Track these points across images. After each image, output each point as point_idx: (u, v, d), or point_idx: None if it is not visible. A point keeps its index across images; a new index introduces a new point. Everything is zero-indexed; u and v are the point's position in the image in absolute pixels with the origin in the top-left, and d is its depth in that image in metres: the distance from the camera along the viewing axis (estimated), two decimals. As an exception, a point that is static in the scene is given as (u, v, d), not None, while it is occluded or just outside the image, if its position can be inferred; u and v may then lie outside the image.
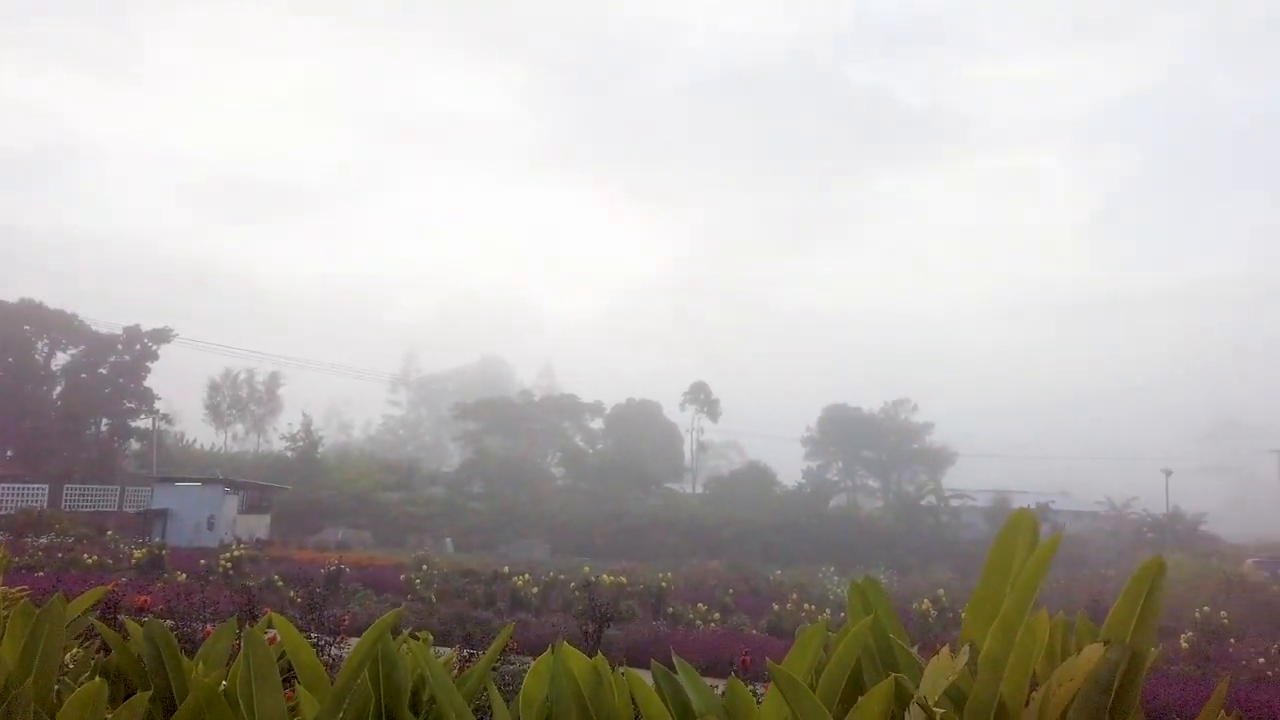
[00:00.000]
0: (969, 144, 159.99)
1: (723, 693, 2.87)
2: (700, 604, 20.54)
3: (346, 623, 10.22)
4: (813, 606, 21.67)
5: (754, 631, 18.34)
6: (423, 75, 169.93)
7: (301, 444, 59.78)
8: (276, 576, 21.22)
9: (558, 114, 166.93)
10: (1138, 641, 2.66)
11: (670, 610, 19.99)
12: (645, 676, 2.95)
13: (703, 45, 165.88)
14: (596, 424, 77.49)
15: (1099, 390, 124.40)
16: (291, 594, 17.78)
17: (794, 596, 23.72)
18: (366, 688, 2.97)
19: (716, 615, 19.88)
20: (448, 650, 6.17)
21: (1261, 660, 14.59)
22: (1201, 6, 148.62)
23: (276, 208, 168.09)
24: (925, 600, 19.74)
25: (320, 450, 61.29)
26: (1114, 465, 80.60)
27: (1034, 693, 2.64)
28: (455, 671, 4.08)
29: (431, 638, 3.82)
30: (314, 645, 6.51)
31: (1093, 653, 2.60)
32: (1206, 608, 18.31)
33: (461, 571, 26.19)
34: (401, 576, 23.31)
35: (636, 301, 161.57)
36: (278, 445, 67.68)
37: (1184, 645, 15.65)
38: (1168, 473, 55.30)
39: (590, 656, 3.04)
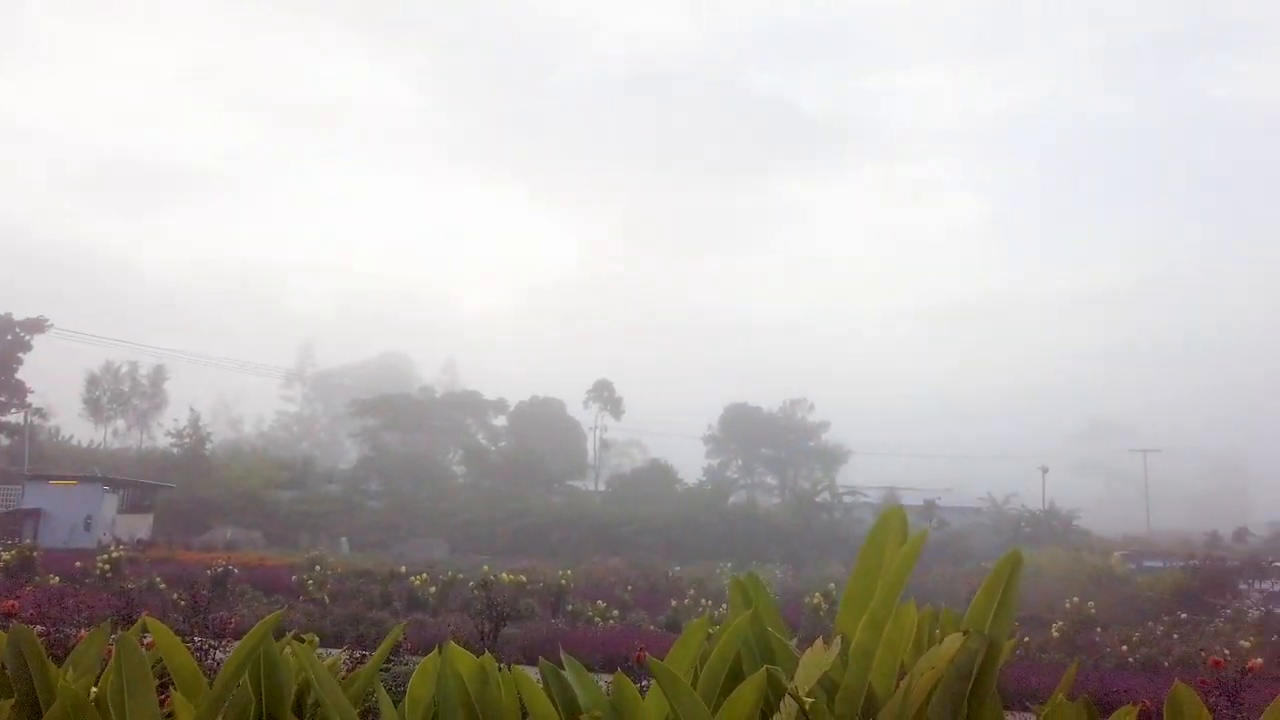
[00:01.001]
0: (866, 152, 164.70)
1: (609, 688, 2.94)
2: (600, 601, 20.64)
3: (233, 625, 9.88)
4: (710, 602, 22.04)
5: (652, 627, 18.55)
6: (321, 60, 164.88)
7: (188, 440, 57.34)
8: (159, 579, 20.38)
9: (462, 106, 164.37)
10: (995, 631, 2.84)
11: (570, 608, 20.03)
12: (538, 675, 3.00)
13: (611, 45, 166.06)
14: (499, 421, 76.91)
15: (984, 391, 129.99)
16: (175, 597, 17.06)
17: (692, 592, 24.08)
18: (247, 691, 2.92)
19: (615, 612, 20.02)
20: (336, 652, 6.08)
21: (1124, 648, 15.58)
22: (1084, 28, 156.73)
23: (164, 193, 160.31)
24: (817, 594, 20.36)
25: (208, 447, 58.90)
26: (996, 463, 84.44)
27: (902, 681, 2.79)
28: (343, 674, 4.04)
29: (319, 639, 3.77)
30: (196, 650, 6.29)
31: (953, 642, 2.77)
32: (1076, 599, 19.52)
33: (356, 572, 25.64)
34: (293, 577, 22.67)
35: (542, 299, 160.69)
36: (163, 442, 64.79)
37: (1055, 634, 16.58)
38: (1044, 470, 58.52)
39: (486, 655, 3.06)
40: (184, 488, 48.74)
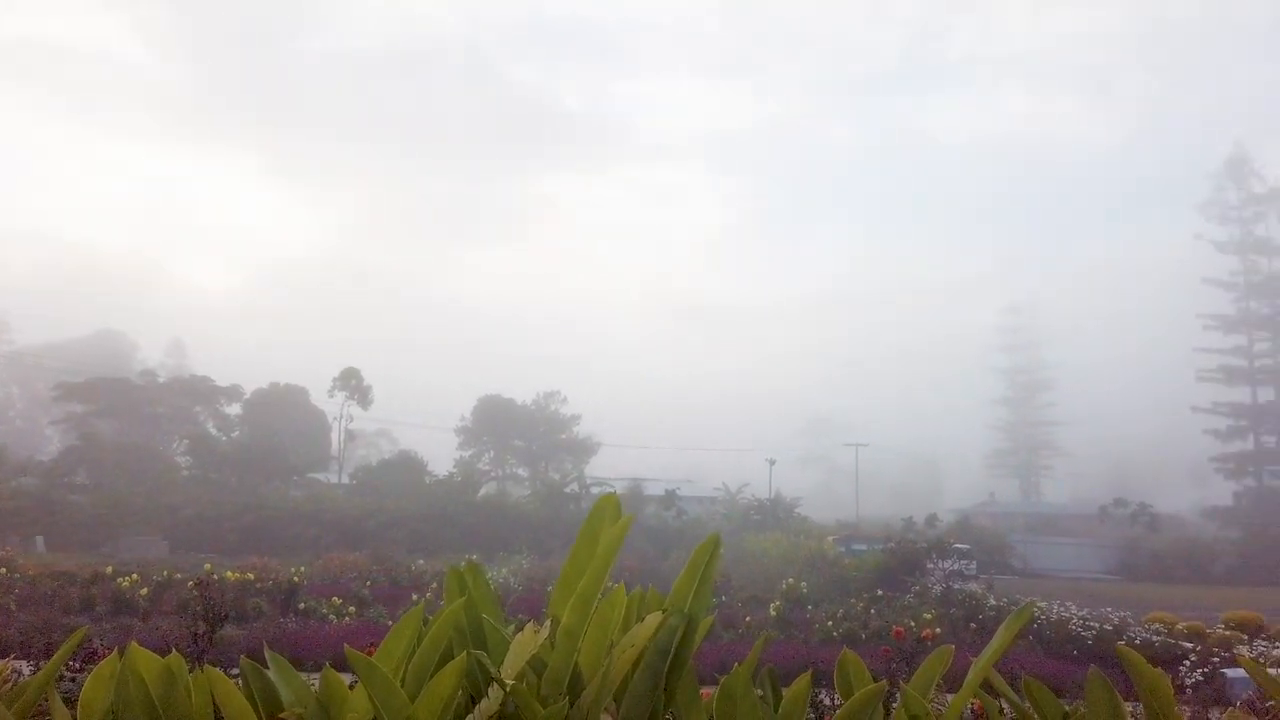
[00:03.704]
0: (621, 152, 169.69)
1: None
2: (336, 598, 19.85)
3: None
4: (452, 594, 21.76)
5: (389, 623, 18.06)
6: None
7: None
8: None
9: (197, 65, 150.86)
10: (695, 609, 3.06)
11: (302, 606, 19.08)
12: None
13: (366, 17, 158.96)
14: (233, 409, 71.43)
15: (724, 387, 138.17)
16: None
17: (435, 585, 23.67)
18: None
19: (352, 608, 19.32)
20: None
21: (830, 623, 17.22)
22: (814, 59, 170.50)
23: None
24: (562, 583, 20.68)
25: None
26: (732, 455, 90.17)
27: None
28: (10, 684, 3.63)
29: (2, 650, 3.37)
30: None
31: (653, 620, 2.95)
32: (792, 580, 21.36)
33: (53, 574, 22.94)
34: (-30, 583, 19.86)
35: (286, 280, 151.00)
36: None
37: (772, 612, 18.01)
38: (771, 462, 63.38)
39: (200, 659, 2.87)
40: None
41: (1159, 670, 2.84)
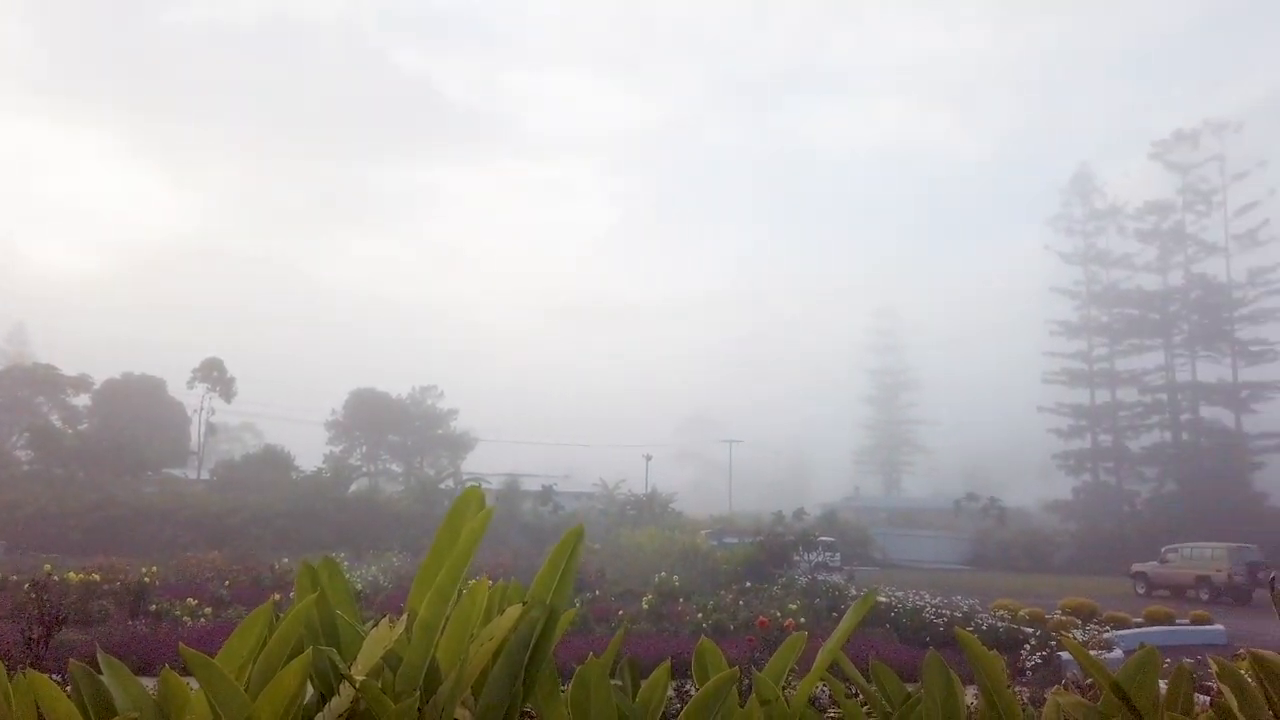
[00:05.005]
0: (507, 146, 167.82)
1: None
2: (191, 599, 18.90)
3: None
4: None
5: (250, 624, 17.33)
6: None
7: None
8: None
9: (51, 34, 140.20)
10: (556, 601, 3.07)
11: (154, 607, 18.08)
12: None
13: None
14: (81, 400, 66.89)
15: (604, 384, 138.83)
16: None
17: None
18: None
19: (208, 610, 18.44)
20: None
21: (700, 615, 17.57)
22: (702, 61, 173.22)
23: None
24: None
25: None
26: (611, 451, 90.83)
27: (471, 653, 2.91)
28: None
29: None
30: None
31: (513, 613, 2.94)
32: (665, 573, 21.71)
33: None
34: None
35: (143, 264, 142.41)
36: None
37: (645, 606, 18.24)
38: (648, 458, 64.27)
39: (34, 664, 2.68)
40: None
41: (994, 653, 3.03)
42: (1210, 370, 70.78)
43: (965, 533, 64.19)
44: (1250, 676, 2.93)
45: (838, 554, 37.80)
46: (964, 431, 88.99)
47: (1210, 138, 72.26)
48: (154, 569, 22.22)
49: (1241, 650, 3.43)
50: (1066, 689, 6.59)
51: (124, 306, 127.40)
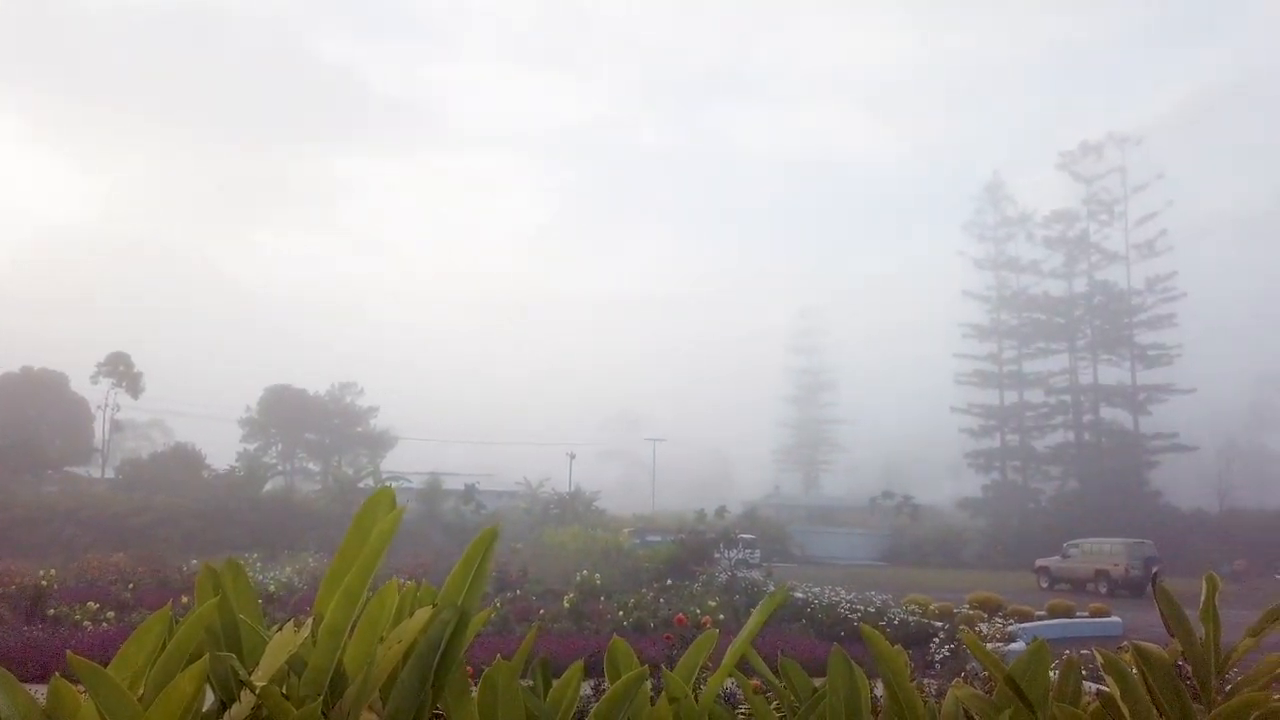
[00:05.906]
0: (431, 140, 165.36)
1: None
2: (92, 602, 18.13)
3: None
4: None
5: (156, 628, 16.72)
6: None
7: None
8: None
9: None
10: (468, 603, 3.05)
11: (51, 612, 17.30)
12: None
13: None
14: (-28, 395, 63.56)
15: (529, 382, 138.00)
16: None
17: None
18: None
19: (111, 614, 17.72)
20: None
21: (621, 613, 17.64)
22: (629, 60, 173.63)
23: None
24: (349, 581, 19.90)
25: None
26: (534, 449, 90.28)
27: (379, 656, 2.86)
28: None
29: None
30: None
31: (423, 614, 2.91)
32: (586, 572, 21.71)
33: None
34: None
35: (42, 254, 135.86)
36: None
37: (566, 605, 18.22)
38: (572, 456, 64.23)
39: None
40: None
41: (897, 647, 3.13)
42: (1111, 373, 74.12)
43: (881, 530, 65.87)
44: (1133, 667, 3.09)
45: (757, 551, 38.33)
46: (881, 430, 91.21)
47: (1113, 150, 75.56)
48: (52, 571, 21.24)
49: (1125, 642, 3.62)
50: (967, 682, 6.84)
51: (24, 298, 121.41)
